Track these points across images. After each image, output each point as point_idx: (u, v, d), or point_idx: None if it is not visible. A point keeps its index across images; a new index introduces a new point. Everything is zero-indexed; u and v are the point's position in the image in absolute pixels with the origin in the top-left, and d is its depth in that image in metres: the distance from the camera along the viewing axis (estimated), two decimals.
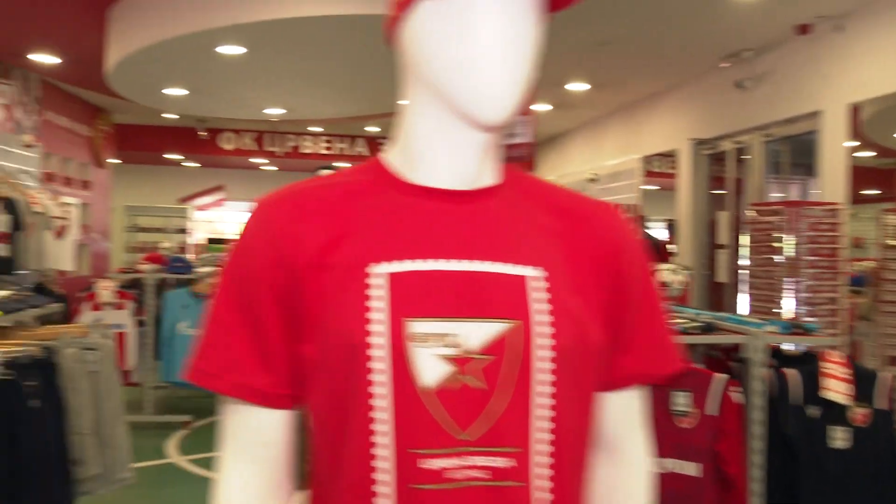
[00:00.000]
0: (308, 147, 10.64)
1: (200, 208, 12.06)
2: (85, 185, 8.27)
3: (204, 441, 5.25)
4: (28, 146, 6.49)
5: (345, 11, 3.90)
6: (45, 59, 5.73)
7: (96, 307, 5.51)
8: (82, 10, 4.65)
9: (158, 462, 4.79)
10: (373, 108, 7.15)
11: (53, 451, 2.28)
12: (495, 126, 0.73)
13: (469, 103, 0.71)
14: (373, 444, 0.69)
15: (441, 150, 0.76)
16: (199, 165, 12.27)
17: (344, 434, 0.72)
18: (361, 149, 10.63)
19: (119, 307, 5.47)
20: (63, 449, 2.35)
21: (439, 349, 0.69)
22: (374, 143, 10.63)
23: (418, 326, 0.70)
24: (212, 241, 10.91)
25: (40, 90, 7.05)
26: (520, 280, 0.73)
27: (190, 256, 8.08)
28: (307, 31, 4.21)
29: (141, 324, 5.51)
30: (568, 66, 5.94)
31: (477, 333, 0.70)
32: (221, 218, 12.42)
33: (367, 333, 0.69)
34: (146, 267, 5.67)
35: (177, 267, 5.78)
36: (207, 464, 4.82)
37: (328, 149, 10.66)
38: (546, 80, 6.40)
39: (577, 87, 6.54)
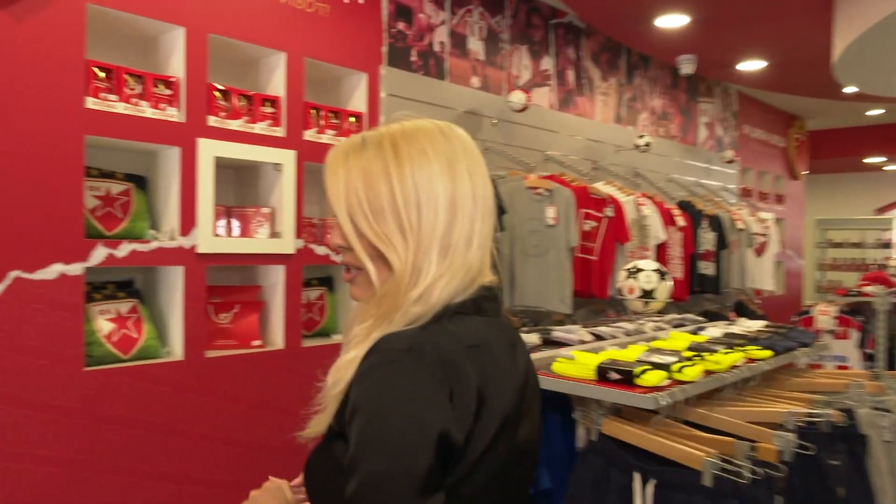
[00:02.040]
0: None
1: None
2: (778, 199, 7.75)
3: None
4: (728, 162, 6.31)
5: None
6: (751, 65, 5.38)
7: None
8: None
9: None
10: None
11: None
12: None
13: None
14: None
15: None
16: None
17: None
18: None
19: (841, 336, 4.64)
20: None
21: None
22: None
23: None
24: None
25: (738, 104, 6.84)
26: None
27: None
28: None
29: (869, 357, 4.56)
30: None
31: None
32: None
33: None
34: (873, 289, 4.68)
35: None
36: None
37: None
38: None
39: None
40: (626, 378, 1.53)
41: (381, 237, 0.90)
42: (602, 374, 1.58)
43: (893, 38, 3.88)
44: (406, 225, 0.89)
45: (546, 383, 1.67)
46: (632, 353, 1.70)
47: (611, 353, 1.73)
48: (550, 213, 3.76)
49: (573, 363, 1.64)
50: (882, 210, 10.60)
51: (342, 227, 0.93)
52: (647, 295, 2.37)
